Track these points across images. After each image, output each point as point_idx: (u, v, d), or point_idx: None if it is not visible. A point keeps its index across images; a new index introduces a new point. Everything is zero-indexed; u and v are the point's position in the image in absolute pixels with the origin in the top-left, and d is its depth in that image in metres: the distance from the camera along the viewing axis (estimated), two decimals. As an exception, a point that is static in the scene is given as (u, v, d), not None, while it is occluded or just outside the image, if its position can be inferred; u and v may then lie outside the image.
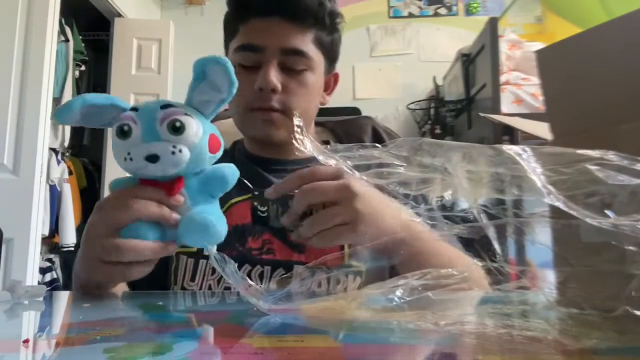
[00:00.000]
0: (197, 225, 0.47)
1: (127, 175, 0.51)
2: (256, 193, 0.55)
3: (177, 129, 0.46)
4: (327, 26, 0.76)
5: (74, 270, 0.60)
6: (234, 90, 0.49)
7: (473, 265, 0.40)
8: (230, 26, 0.78)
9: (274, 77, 0.71)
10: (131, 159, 0.46)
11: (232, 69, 0.47)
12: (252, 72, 0.73)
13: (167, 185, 0.48)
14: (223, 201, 0.54)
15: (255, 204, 0.54)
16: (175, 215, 0.48)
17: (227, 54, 0.81)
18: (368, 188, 0.52)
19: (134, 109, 0.48)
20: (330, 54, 0.80)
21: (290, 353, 0.27)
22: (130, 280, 0.51)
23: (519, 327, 0.31)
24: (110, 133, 0.49)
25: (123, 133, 0.47)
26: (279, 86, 0.72)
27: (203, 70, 0.48)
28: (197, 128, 0.47)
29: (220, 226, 0.47)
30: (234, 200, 0.71)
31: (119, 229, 0.48)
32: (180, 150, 0.46)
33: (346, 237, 0.53)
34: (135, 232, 0.48)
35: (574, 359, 0.26)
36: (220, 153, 0.51)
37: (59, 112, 0.49)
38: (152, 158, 0.46)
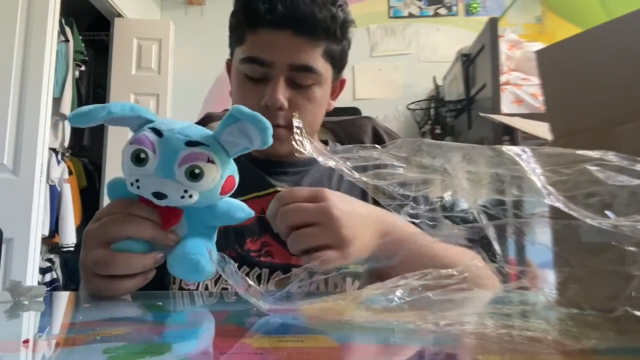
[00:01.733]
0: (187, 263, 0.46)
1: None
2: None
3: (195, 176, 0.44)
4: (337, 38, 0.74)
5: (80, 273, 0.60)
6: (265, 147, 0.46)
7: (475, 262, 0.40)
8: (237, 32, 0.75)
9: (282, 94, 0.69)
10: (138, 187, 0.45)
11: (270, 132, 0.44)
12: (259, 85, 0.71)
13: (166, 213, 0.48)
14: None
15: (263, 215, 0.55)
16: (170, 236, 0.48)
17: (231, 54, 0.79)
18: (346, 205, 0.53)
19: (158, 132, 0.45)
20: (339, 64, 0.78)
21: (290, 353, 0.27)
22: (121, 295, 0.50)
23: (519, 327, 0.31)
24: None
25: (138, 160, 0.44)
26: (286, 104, 0.70)
27: (239, 118, 0.45)
28: (215, 175, 0.45)
29: (210, 267, 0.46)
30: (241, 198, 0.71)
31: (110, 243, 0.48)
32: (190, 196, 0.44)
33: (333, 260, 0.51)
34: (126, 247, 0.47)
35: (573, 359, 0.26)
36: (232, 193, 0.49)
37: (78, 118, 0.46)
38: (160, 196, 0.44)
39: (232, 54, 0.80)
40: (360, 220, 0.53)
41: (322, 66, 0.73)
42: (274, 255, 0.70)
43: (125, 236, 0.48)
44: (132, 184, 0.45)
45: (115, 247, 0.48)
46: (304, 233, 0.51)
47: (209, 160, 0.44)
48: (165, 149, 0.44)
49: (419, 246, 0.52)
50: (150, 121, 0.47)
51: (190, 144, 0.44)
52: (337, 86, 0.83)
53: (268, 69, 0.70)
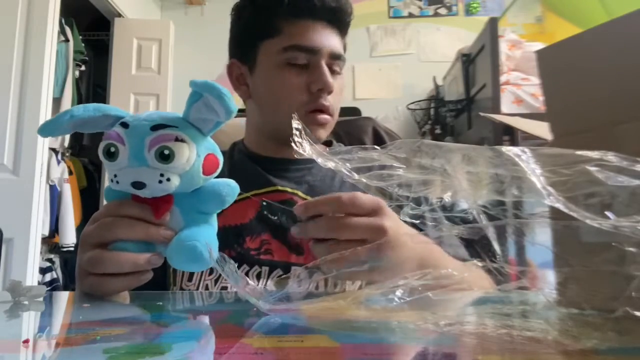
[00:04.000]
0: (186, 252, 0.45)
1: None
2: (264, 203, 0.53)
3: (166, 157, 0.43)
4: (347, 32, 0.80)
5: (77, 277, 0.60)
6: (231, 117, 0.45)
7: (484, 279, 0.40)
8: (268, 25, 0.75)
9: (330, 78, 0.74)
10: (117, 182, 0.45)
11: (229, 98, 0.43)
12: (302, 72, 0.74)
13: (157, 203, 0.47)
14: None
15: (265, 212, 0.52)
16: (164, 232, 0.47)
17: (239, 54, 0.79)
18: (399, 227, 0.50)
19: (124, 124, 0.45)
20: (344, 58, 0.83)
21: (290, 353, 0.27)
22: (112, 293, 0.50)
23: (519, 327, 0.31)
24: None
25: (110, 155, 0.44)
26: (334, 88, 0.75)
27: (199, 93, 0.44)
28: (189, 154, 0.44)
29: (208, 253, 0.45)
30: (241, 196, 0.71)
31: (105, 246, 0.48)
32: (168, 179, 0.43)
33: (367, 278, 0.51)
34: (122, 248, 0.47)
35: (573, 359, 0.26)
36: (217, 173, 0.48)
37: (45, 128, 0.46)
38: (139, 185, 0.44)
39: (242, 52, 0.79)
40: (406, 249, 0.50)
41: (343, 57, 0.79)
42: (273, 253, 0.70)
43: (118, 238, 0.48)
44: (112, 181, 0.45)
45: (112, 249, 0.48)
46: (351, 254, 0.46)
47: (178, 139, 0.43)
48: (133, 138, 0.44)
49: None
50: (118, 118, 0.47)
51: (155, 127, 0.44)
52: None
53: (312, 55, 0.74)
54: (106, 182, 2.96)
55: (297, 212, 0.50)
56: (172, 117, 0.45)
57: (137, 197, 0.48)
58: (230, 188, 0.49)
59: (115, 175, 0.45)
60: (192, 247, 0.45)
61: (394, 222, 0.50)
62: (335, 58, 0.76)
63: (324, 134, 0.76)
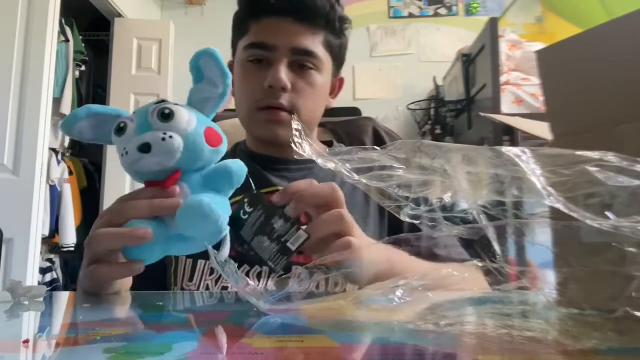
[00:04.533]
0: (191, 209, 0.45)
1: (127, 176, 0.51)
2: (254, 192, 0.52)
3: (165, 116, 0.46)
4: (336, 30, 0.77)
5: (78, 280, 0.60)
6: (229, 81, 0.49)
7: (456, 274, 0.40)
8: (241, 24, 0.78)
9: (284, 75, 0.72)
10: (126, 153, 0.46)
11: (221, 59, 0.49)
12: (261, 70, 0.74)
13: (165, 180, 0.48)
14: None
15: (245, 201, 0.51)
16: (169, 201, 0.47)
17: (234, 54, 0.81)
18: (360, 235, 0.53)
19: (134, 112, 0.50)
20: (338, 58, 0.81)
21: (290, 353, 0.27)
22: (108, 280, 0.51)
23: (519, 327, 0.31)
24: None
25: (119, 130, 0.48)
26: (289, 84, 0.72)
27: (197, 67, 0.49)
28: (188, 117, 0.47)
29: (219, 211, 0.45)
30: (231, 201, 0.71)
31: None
32: (170, 137, 0.46)
33: (354, 246, 0.50)
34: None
35: (573, 359, 0.26)
36: (223, 147, 0.50)
37: (66, 123, 0.50)
38: (144, 147, 0.45)
39: (234, 53, 0.81)
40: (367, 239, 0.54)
41: (322, 54, 0.76)
42: None
43: (126, 219, 0.48)
44: (121, 155, 0.47)
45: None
46: (328, 217, 0.50)
47: (176, 104, 0.48)
48: (139, 113, 0.48)
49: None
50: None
51: (158, 102, 0.48)
52: (337, 85, 0.85)
53: (271, 52, 0.73)
54: (106, 182, 2.97)
55: (276, 199, 0.50)
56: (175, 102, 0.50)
57: (149, 183, 0.49)
58: (238, 165, 0.50)
59: (124, 148, 0.47)
60: (198, 202, 0.45)
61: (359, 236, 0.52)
62: (300, 54, 0.74)
63: (282, 131, 0.73)
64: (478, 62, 2.50)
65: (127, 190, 3.23)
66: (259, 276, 0.69)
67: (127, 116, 0.49)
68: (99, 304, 0.48)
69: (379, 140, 0.87)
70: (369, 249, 0.52)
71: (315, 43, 0.75)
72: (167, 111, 0.46)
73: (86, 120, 0.50)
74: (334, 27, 0.77)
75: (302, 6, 0.74)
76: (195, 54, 0.49)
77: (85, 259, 0.51)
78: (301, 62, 0.74)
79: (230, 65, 0.82)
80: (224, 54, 0.84)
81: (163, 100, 0.49)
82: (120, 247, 0.48)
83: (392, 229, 0.76)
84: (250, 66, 0.75)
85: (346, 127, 0.89)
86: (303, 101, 0.74)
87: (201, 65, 0.49)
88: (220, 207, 0.46)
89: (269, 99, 0.72)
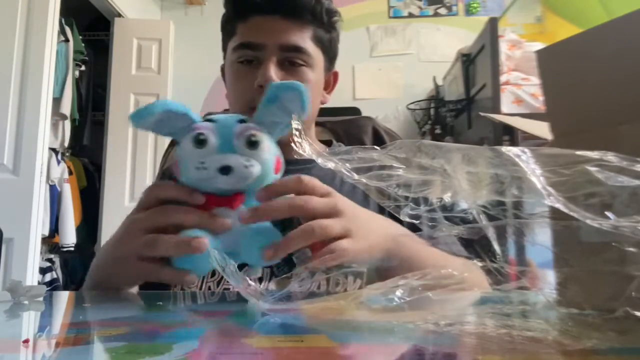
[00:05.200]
0: (265, 240, 0.46)
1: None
2: None
3: (252, 144, 0.47)
4: (325, 24, 0.76)
5: (91, 269, 0.60)
6: (305, 117, 0.49)
7: (465, 266, 0.40)
8: (229, 26, 0.78)
9: (274, 73, 0.71)
10: (204, 168, 0.46)
11: (306, 96, 0.49)
12: (252, 70, 0.73)
13: (228, 200, 0.48)
14: None
15: None
16: (221, 221, 0.47)
17: (225, 56, 0.81)
18: (354, 206, 0.53)
19: (210, 120, 0.49)
20: (329, 52, 0.79)
21: (290, 353, 0.27)
22: (162, 281, 0.50)
23: (519, 327, 0.31)
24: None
25: (200, 142, 0.47)
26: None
27: (277, 94, 0.49)
28: (269, 145, 0.48)
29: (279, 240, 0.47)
30: None
31: (156, 231, 0.48)
32: (252, 166, 0.46)
33: (349, 251, 0.49)
34: (189, 234, 0.46)
35: (573, 359, 0.26)
36: (282, 173, 0.51)
37: (138, 115, 0.49)
38: (225, 170, 0.45)
39: (225, 54, 0.81)
40: (366, 219, 0.54)
41: (312, 49, 0.75)
42: None
43: (171, 223, 0.48)
44: (197, 168, 0.46)
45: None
46: (322, 222, 0.48)
47: (259, 131, 0.48)
48: (222, 129, 0.48)
49: (424, 255, 0.52)
50: (195, 121, 0.49)
51: (242, 121, 0.49)
52: (331, 79, 0.84)
53: (259, 52, 0.73)
54: (107, 182, 2.97)
55: (258, 198, 0.49)
56: (249, 119, 0.50)
57: (210, 197, 0.48)
58: None
59: (202, 162, 0.46)
60: (269, 231, 0.46)
61: (344, 201, 0.52)
62: (289, 50, 0.73)
63: None
64: (478, 62, 2.50)
65: (127, 190, 3.21)
66: (260, 278, 0.69)
67: (205, 125, 0.48)
68: (99, 304, 0.48)
69: (379, 139, 0.86)
70: (367, 240, 0.51)
71: (303, 39, 0.74)
72: (254, 139, 0.47)
73: (159, 115, 0.49)
74: (322, 21, 0.76)
75: (287, 2, 0.73)
76: (281, 83, 0.49)
77: (120, 250, 0.51)
78: (291, 59, 0.73)
79: (223, 69, 0.83)
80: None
81: (244, 120, 0.49)
82: (175, 256, 0.47)
83: None
84: (240, 67, 0.75)
85: (346, 127, 0.89)
86: None
87: (281, 95, 0.49)
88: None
89: (260, 99, 0.72)
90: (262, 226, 0.47)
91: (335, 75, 0.85)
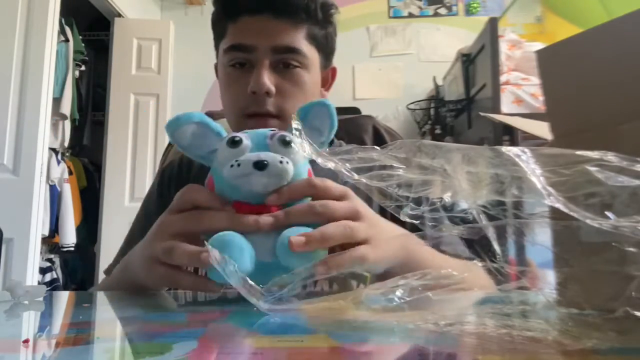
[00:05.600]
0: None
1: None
2: None
3: (286, 143, 0.47)
4: (319, 20, 0.73)
5: (118, 267, 0.60)
6: (332, 134, 0.50)
7: (472, 270, 0.40)
8: (219, 26, 0.75)
9: (267, 79, 0.68)
10: (238, 165, 0.45)
11: (335, 113, 0.49)
12: (244, 74, 0.71)
13: (262, 208, 0.46)
14: None
15: None
16: (253, 219, 0.44)
17: (217, 56, 0.79)
18: (372, 211, 0.51)
19: (244, 133, 0.49)
20: (326, 49, 0.76)
21: (290, 353, 0.27)
22: (182, 288, 0.49)
23: (519, 327, 0.31)
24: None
25: (234, 142, 0.47)
26: (273, 89, 0.69)
27: (306, 115, 0.50)
28: (301, 152, 0.47)
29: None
30: None
31: (185, 235, 0.47)
32: (287, 162, 0.45)
33: (360, 262, 0.47)
34: (226, 238, 0.44)
35: (573, 359, 0.26)
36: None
37: (175, 123, 0.49)
38: (260, 164, 0.44)
39: (217, 54, 0.79)
40: (382, 226, 0.51)
41: (307, 49, 0.72)
42: None
43: (202, 229, 0.47)
44: (232, 166, 0.45)
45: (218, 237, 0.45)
46: (349, 224, 0.46)
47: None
48: (254, 134, 0.48)
49: (431, 265, 0.51)
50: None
51: (273, 131, 0.49)
52: (329, 76, 0.81)
53: (251, 54, 0.70)
54: (106, 182, 2.97)
55: (270, 202, 0.47)
56: None
57: (239, 205, 0.46)
58: None
59: (236, 160, 0.45)
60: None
61: (362, 205, 0.50)
62: (283, 52, 0.70)
63: None
64: (478, 62, 2.50)
65: (127, 190, 3.21)
66: None
67: (238, 133, 0.49)
68: (99, 304, 0.48)
69: (379, 138, 0.86)
70: (384, 249, 0.49)
71: (297, 39, 0.71)
72: (288, 139, 0.47)
73: (194, 125, 0.49)
74: (317, 17, 0.72)
75: (279, 1, 0.70)
76: (309, 103, 0.50)
77: (147, 251, 0.49)
78: (285, 61, 0.70)
79: (217, 68, 0.80)
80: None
81: (277, 132, 0.49)
82: (189, 265, 0.46)
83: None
84: (232, 71, 0.72)
85: (346, 126, 0.89)
86: (291, 104, 0.70)
87: (311, 112, 0.50)
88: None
89: (254, 106, 0.69)
90: (295, 230, 0.44)
91: (333, 71, 0.82)
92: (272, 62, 0.70)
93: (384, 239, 0.50)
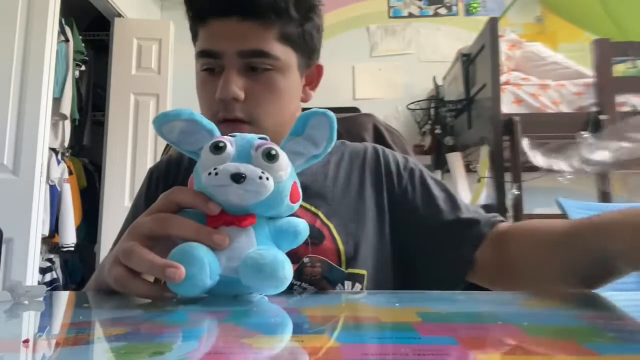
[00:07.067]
0: (271, 269, 0.42)
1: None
2: None
3: (271, 157, 0.45)
4: (294, 19, 0.68)
5: (100, 264, 0.59)
6: (329, 149, 0.48)
7: None
8: (192, 30, 0.73)
9: (234, 84, 0.66)
10: (216, 174, 0.43)
11: (335, 126, 0.47)
12: (215, 79, 0.68)
13: (237, 219, 0.45)
14: None
15: None
16: (217, 236, 0.44)
17: None
18: None
19: (232, 135, 0.48)
20: (305, 48, 0.71)
21: (290, 353, 0.27)
22: (132, 294, 0.48)
23: (518, 327, 0.31)
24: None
25: (217, 148, 0.45)
26: (241, 94, 0.66)
27: (305, 124, 0.48)
28: (286, 165, 0.46)
29: (284, 270, 0.42)
30: None
31: (154, 238, 0.46)
32: (267, 178, 0.43)
33: None
34: (187, 249, 0.43)
35: (573, 359, 0.26)
36: (298, 205, 0.48)
37: (163, 118, 0.47)
38: (238, 177, 0.43)
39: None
40: None
41: (280, 50, 0.68)
42: None
43: (167, 234, 0.45)
44: (209, 173, 0.44)
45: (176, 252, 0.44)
46: None
47: (278, 148, 0.46)
48: (241, 142, 0.46)
49: None
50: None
51: (262, 137, 0.47)
52: (314, 74, 0.77)
53: (219, 60, 0.67)
54: (106, 182, 2.96)
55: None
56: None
57: (215, 217, 0.46)
58: (304, 227, 0.48)
59: (215, 168, 0.44)
60: (274, 260, 0.42)
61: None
62: (250, 56, 0.66)
63: None
64: (478, 62, 2.50)
65: (127, 190, 3.21)
66: None
67: (224, 136, 0.47)
68: (99, 304, 0.48)
69: (379, 136, 0.86)
70: None
71: (266, 41, 0.66)
72: (273, 152, 0.45)
73: (183, 122, 0.48)
74: (290, 15, 0.67)
75: (245, 2, 0.65)
76: (311, 111, 0.48)
77: (116, 259, 0.47)
78: (253, 65, 0.67)
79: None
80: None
81: (265, 138, 0.47)
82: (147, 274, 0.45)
83: (393, 221, 0.71)
84: (204, 76, 0.70)
85: (346, 124, 0.89)
86: (263, 109, 0.68)
87: (310, 122, 0.48)
88: (284, 261, 0.43)
89: (224, 112, 0.67)
90: (267, 253, 0.43)
91: (319, 69, 0.77)
92: (241, 66, 0.67)
93: None
